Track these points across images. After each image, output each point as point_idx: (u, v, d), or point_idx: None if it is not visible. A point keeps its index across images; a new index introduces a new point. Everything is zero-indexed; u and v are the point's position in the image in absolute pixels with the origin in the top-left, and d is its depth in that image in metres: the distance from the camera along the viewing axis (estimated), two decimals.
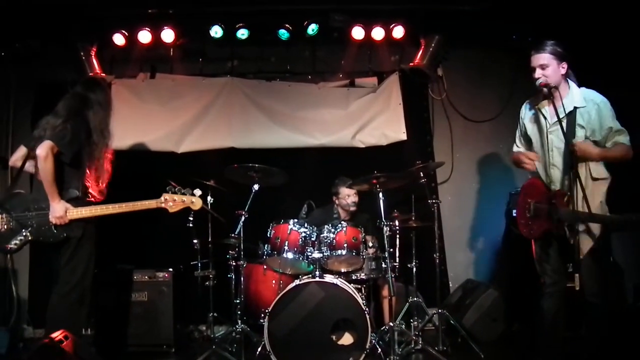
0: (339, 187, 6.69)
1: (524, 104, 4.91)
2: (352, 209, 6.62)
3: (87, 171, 4.99)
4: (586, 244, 4.36)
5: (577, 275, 4.09)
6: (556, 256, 4.64)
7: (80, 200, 4.94)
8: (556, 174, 4.56)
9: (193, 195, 5.05)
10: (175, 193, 5.01)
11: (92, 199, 5.03)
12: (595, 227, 4.40)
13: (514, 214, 6.69)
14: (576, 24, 6.58)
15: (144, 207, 5.01)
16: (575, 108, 4.47)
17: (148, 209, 5.01)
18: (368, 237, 6.18)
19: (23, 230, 4.81)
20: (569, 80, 4.58)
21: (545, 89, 4.46)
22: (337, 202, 6.78)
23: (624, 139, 4.43)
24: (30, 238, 4.83)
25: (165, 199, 4.99)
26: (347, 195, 6.63)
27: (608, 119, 4.44)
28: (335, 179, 6.77)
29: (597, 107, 4.45)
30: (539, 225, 4.61)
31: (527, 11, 6.92)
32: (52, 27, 7.12)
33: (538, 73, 4.49)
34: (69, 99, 5.10)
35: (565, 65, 4.51)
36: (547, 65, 4.46)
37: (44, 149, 4.69)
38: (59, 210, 4.79)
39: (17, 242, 4.81)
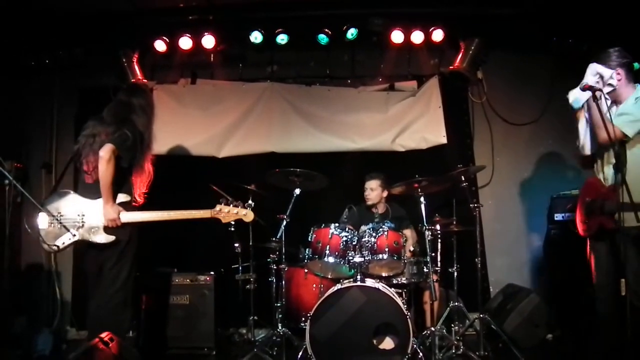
0: (365, 181, 6.84)
1: None
2: (368, 203, 6.74)
3: (134, 175, 5.08)
4: (632, 246, 4.33)
5: (622, 280, 4.06)
6: (607, 259, 4.64)
7: (128, 205, 5.02)
8: (610, 171, 4.60)
9: (245, 208, 5.13)
10: (228, 204, 5.07)
11: (135, 204, 5.12)
12: None
13: (557, 218, 6.71)
14: (616, 26, 6.52)
15: (198, 216, 5.09)
16: None
17: (201, 218, 5.09)
18: (406, 232, 6.20)
19: (71, 230, 4.86)
20: (637, 86, 4.61)
21: (589, 91, 4.43)
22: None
23: (618, 119, 4.44)
24: (78, 238, 4.88)
25: (220, 209, 5.06)
26: (365, 188, 6.79)
27: (627, 102, 4.53)
28: None
29: (631, 96, 4.54)
30: (593, 221, 4.66)
31: (567, 14, 6.87)
32: (94, 34, 7.27)
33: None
34: (114, 106, 5.20)
35: (620, 71, 4.53)
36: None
37: (107, 152, 4.76)
38: (113, 213, 4.86)
39: (65, 241, 4.86)
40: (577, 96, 4.66)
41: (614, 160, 4.53)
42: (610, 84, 4.53)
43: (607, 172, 4.65)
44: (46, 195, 7.46)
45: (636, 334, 4.37)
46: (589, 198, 4.75)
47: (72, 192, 5.05)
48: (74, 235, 4.88)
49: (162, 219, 5.04)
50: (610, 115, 4.41)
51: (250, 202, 5.24)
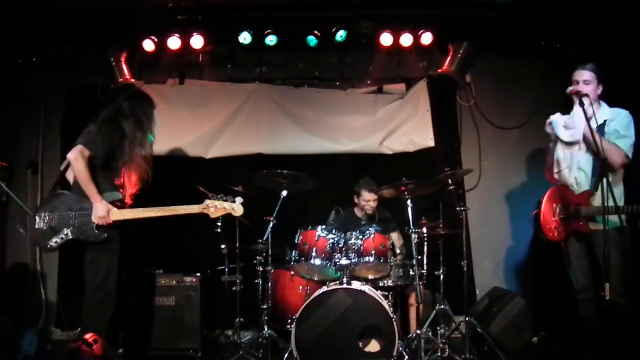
0: (361, 189, 6.75)
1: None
2: (369, 212, 6.69)
3: (121, 175, 5.08)
4: (613, 244, 4.46)
5: (607, 284, 4.13)
6: (585, 262, 4.89)
7: (116, 203, 5.04)
8: (582, 176, 4.89)
9: (234, 202, 5.15)
10: (217, 199, 5.07)
11: (119, 203, 5.12)
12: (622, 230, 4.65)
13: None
14: (605, 31, 6.56)
15: (186, 211, 5.11)
16: (605, 120, 4.81)
17: (190, 213, 5.10)
18: (393, 235, 6.22)
19: (64, 229, 4.93)
20: (601, 102, 4.91)
21: (575, 97, 4.59)
22: (356, 201, 6.86)
23: (622, 142, 4.72)
24: (70, 237, 4.94)
25: (208, 205, 5.08)
26: (368, 200, 6.69)
27: (620, 124, 4.79)
28: (360, 179, 6.82)
29: (619, 117, 4.81)
30: (565, 226, 4.89)
31: (556, 18, 6.88)
32: (82, 33, 7.22)
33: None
34: (106, 108, 5.24)
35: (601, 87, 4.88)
36: (589, 82, 4.85)
37: (73, 152, 4.87)
38: (102, 211, 4.90)
39: (58, 240, 4.94)
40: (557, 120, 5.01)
41: (585, 166, 4.85)
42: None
43: (579, 178, 4.90)
44: (34, 195, 7.47)
45: (619, 331, 4.46)
46: (558, 204, 4.98)
47: (66, 192, 5.10)
48: (67, 234, 4.92)
49: (151, 216, 5.07)
50: (596, 120, 4.53)
51: (239, 197, 5.22)
